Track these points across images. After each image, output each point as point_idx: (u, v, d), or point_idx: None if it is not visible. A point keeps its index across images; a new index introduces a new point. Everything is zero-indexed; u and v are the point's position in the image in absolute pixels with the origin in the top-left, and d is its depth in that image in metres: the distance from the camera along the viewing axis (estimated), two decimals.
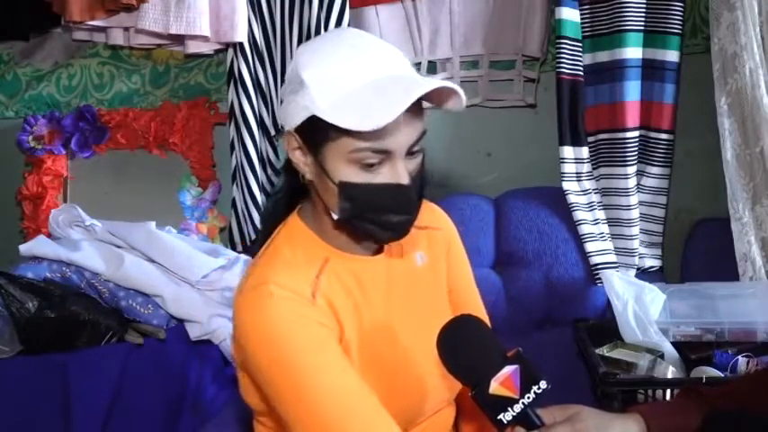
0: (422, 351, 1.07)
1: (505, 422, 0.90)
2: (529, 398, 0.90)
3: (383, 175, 0.97)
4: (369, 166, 0.97)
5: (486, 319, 1.13)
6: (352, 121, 0.92)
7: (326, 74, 0.97)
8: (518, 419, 0.91)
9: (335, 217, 1.01)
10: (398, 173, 0.97)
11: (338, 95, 0.95)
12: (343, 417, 0.95)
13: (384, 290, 1.10)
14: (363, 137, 0.94)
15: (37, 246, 1.85)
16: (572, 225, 1.93)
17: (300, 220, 1.09)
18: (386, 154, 0.96)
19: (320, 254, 1.07)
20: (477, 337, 0.95)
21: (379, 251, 1.11)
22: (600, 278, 1.87)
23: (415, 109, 0.96)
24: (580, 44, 1.90)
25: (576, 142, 1.92)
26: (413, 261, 1.15)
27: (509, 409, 0.90)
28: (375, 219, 1.00)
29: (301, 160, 1.02)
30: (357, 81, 0.95)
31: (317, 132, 0.97)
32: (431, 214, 1.20)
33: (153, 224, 1.94)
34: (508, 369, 0.91)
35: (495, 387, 0.90)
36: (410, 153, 0.99)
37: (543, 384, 0.91)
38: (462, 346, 0.94)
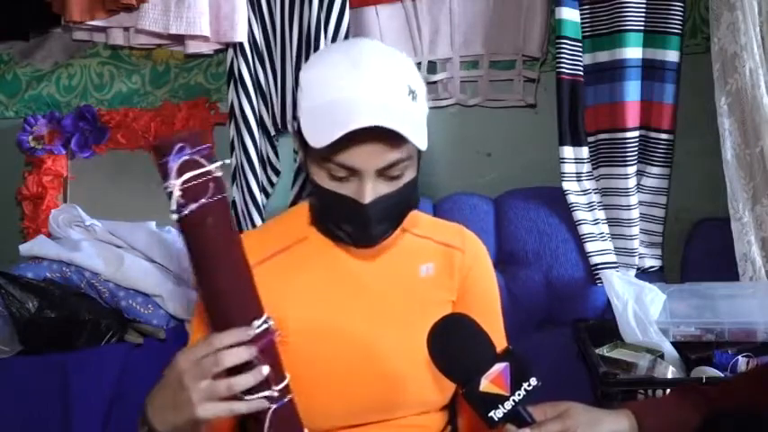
0: (386, 352, 1.08)
1: (496, 419, 0.91)
2: (519, 395, 0.91)
3: (348, 188, 1.00)
4: (338, 178, 0.99)
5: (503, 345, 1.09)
6: (307, 134, 0.96)
7: (314, 79, 0.99)
8: (509, 417, 0.91)
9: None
10: (362, 191, 0.98)
11: (316, 103, 0.98)
12: None
13: (356, 284, 1.11)
14: (328, 149, 0.96)
15: (37, 246, 1.85)
16: (572, 225, 1.94)
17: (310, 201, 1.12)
18: (351, 171, 0.98)
19: (301, 232, 1.11)
20: (467, 335, 0.95)
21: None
22: (600, 278, 1.87)
23: (388, 137, 0.96)
24: (580, 44, 1.90)
25: (576, 142, 1.92)
26: (415, 269, 1.14)
27: (500, 406, 0.91)
28: (335, 222, 1.03)
29: (301, 155, 1.06)
30: (333, 93, 0.97)
31: (302, 135, 1.00)
32: (458, 235, 1.19)
33: (153, 224, 1.94)
34: (498, 366, 0.91)
35: (486, 385, 0.91)
36: (388, 177, 1.00)
37: (534, 381, 0.91)
38: (452, 345, 0.95)
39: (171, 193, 0.81)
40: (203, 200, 0.82)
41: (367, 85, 0.97)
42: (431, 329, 0.96)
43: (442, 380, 1.05)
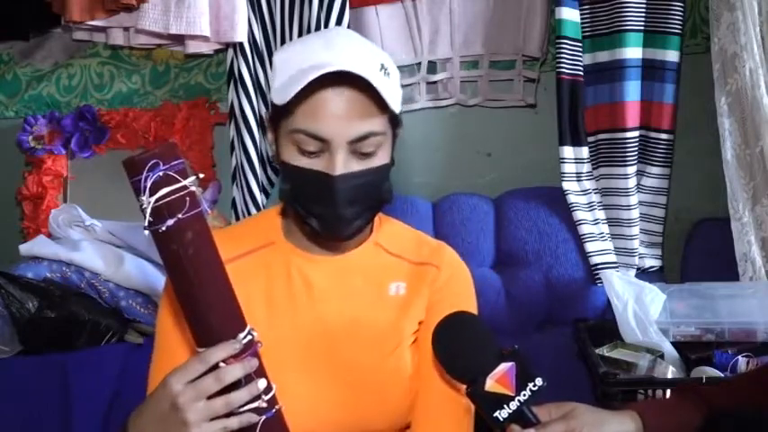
0: (344, 368, 1.04)
1: (501, 419, 0.91)
2: (524, 395, 0.91)
3: (318, 164, 0.97)
4: (308, 153, 0.97)
5: None
6: (278, 96, 0.96)
7: (288, 57, 0.99)
8: (514, 417, 0.91)
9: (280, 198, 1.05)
10: (332, 163, 0.96)
11: (287, 76, 0.97)
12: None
13: (317, 295, 1.07)
14: (299, 118, 0.96)
15: (37, 246, 1.85)
16: (572, 225, 1.94)
17: (283, 204, 1.10)
18: (322, 142, 0.96)
19: (268, 237, 1.08)
20: (472, 334, 0.95)
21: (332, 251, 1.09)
22: (600, 278, 1.87)
23: (363, 105, 0.96)
24: (580, 44, 1.90)
25: (576, 142, 1.92)
26: (383, 287, 1.09)
27: (505, 406, 0.91)
28: (304, 205, 1.00)
29: (272, 147, 1.05)
30: (304, 64, 0.96)
31: (274, 114, 1.00)
32: (436, 253, 1.13)
33: None
34: (504, 366, 0.92)
35: (491, 384, 0.91)
36: (359, 153, 0.98)
37: (539, 382, 0.91)
38: (457, 344, 0.94)
39: (145, 209, 0.81)
40: (180, 215, 0.81)
41: (341, 60, 0.96)
42: (435, 328, 0.95)
43: (403, 398, 1.04)
